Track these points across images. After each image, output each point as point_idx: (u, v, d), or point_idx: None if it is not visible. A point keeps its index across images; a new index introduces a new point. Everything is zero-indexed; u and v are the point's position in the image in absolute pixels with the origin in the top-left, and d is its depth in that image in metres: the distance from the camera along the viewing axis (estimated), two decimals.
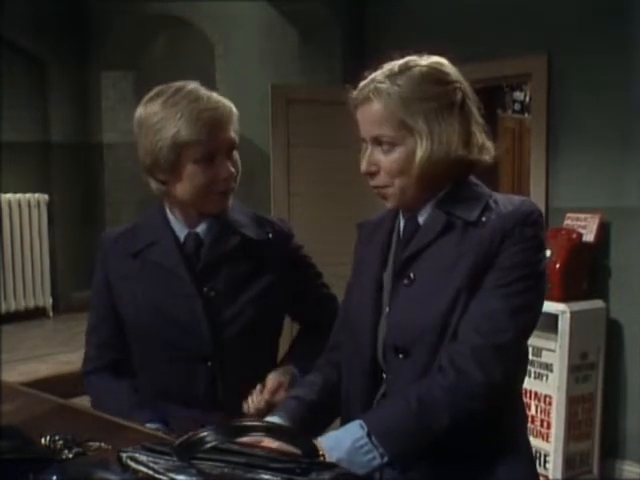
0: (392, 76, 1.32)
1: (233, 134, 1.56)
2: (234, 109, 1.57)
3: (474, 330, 1.24)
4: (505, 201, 1.32)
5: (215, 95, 1.56)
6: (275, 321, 1.68)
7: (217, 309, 1.56)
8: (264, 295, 1.60)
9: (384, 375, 1.35)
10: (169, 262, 1.58)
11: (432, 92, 1.30)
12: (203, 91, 1.54)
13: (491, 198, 1.33)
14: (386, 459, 1.19)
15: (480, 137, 1.34)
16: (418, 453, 1.23)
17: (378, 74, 1.34)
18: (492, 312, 1.24)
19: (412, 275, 1.31)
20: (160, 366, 1.60)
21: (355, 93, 1.35)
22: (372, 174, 1.34)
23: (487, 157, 1.36)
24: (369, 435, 1.19)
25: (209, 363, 1.56)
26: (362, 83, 1.34)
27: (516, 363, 1.32)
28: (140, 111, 1.55)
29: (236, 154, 1.59)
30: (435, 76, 1.32)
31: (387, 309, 1.35)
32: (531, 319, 1.30)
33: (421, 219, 1.35)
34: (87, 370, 1.70)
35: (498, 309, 1.24)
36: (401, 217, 1.41)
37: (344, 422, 1.40)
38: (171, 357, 1.58)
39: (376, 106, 1.30)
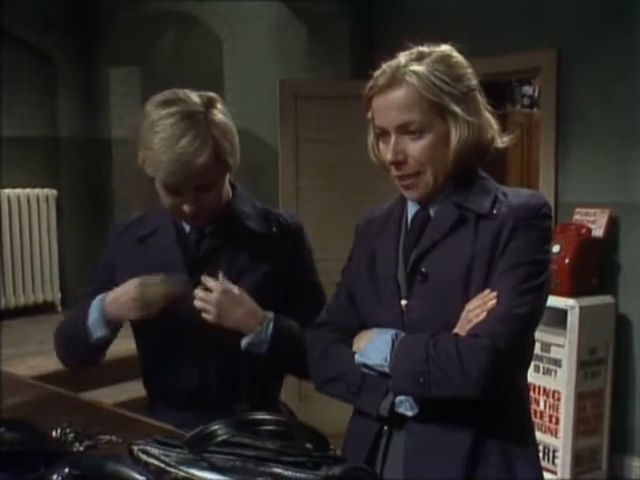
0: (416, 60, 1.26)
1: (200, 178, 1.48)
2: (205, 156, 1.44)
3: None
4: (514, 194, 1.30)
5: (191, 136, 1.43)
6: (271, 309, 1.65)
7: None
8: (259, 286, 1.57)
9: None
10: (167, 249, 1.60)
11: (458, 74, 1.27)
12: (186, 126, 1.44)
13: (499, 191, 1.31)
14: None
15: (495, 123, 1.33)
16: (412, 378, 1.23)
17: (399, 59, 1.27)
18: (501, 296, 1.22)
19: (424, 270, 1.28)
20: (157, 352, 1.62)
21: (375, 79, 1.28)
22: (399, 163, 1.28)
23: (503, 143, 1.34)
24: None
25: (199, 348, 1.56)
26: (381, 70, 1.28)
27: (517, 339, 1.23)
28: (146, 109, 1.53)
29: (216, 189, 1.53)
30: (455, 59, 1.29)
31: (404, 304, 1.31)
32: (537, 305, 1.25)
33: (432, 211, 1.33)
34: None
35: (506, 290, 1.22)
36: (409, 208, 1.37)
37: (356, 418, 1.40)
38: (165, 341, 1.59)
39: (405, 90, 1.24)
